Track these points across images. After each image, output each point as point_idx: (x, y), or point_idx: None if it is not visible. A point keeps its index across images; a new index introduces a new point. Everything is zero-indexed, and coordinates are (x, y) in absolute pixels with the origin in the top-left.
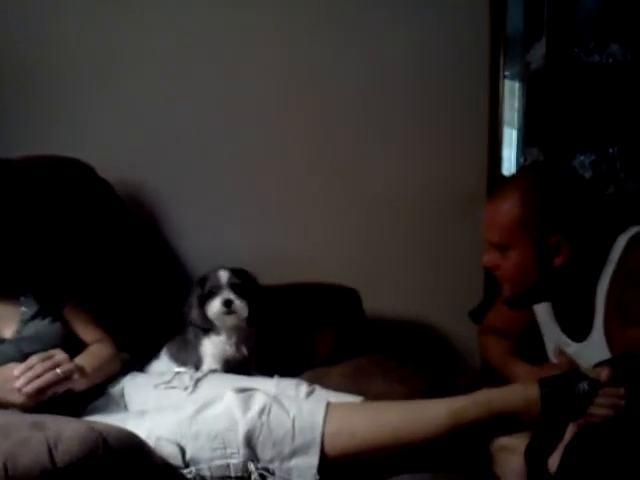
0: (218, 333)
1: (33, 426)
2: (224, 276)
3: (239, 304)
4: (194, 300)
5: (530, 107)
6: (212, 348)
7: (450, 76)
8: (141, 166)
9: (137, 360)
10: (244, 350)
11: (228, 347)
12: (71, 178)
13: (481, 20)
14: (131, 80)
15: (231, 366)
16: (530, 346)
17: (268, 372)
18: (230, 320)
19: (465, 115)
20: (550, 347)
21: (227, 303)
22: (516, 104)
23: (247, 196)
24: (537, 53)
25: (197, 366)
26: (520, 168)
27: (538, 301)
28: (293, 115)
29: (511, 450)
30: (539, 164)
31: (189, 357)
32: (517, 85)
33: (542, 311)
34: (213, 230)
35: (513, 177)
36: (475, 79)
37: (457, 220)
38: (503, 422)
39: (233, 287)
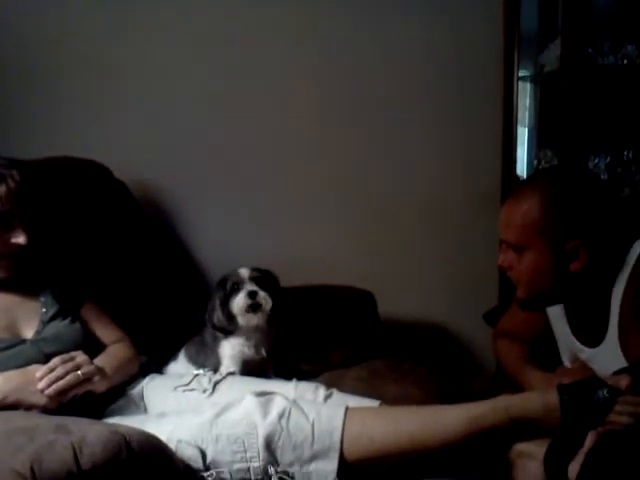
0: (238, 335)
1: (57, 429)
2: (245, 272)
3: (263, 295)
4: (216, 302)
5: (544, 109)
6: (230, 350)
7: (464, 77)
8: (156, 167)
9: (154, 361)
10: (262, 352)
11: (247, 349)
12: (87, 179)
13: (495, 21)
14: (146, 81)
15: (249, 368)
16: (544, 350)
17: (285, 375)
18: (256, 318)
19: (479, 116)
20: (564, 352)
21: (252, 294)
22: (530, 105)
23: (263, 197)
24: (551, 54)
25: (215, 368)
26: (539, 171)
27: (551, 304)
28: (309, 117)
29: (530, 456)
30: (559, 167)
31: (207, 359)
32: (531, 86)
33: (555, 316)
34: (228, 231)
35: (532, 179)
36: (489, 80)
37: (472, 221)
38: (522, 428)
39: (256, 280)
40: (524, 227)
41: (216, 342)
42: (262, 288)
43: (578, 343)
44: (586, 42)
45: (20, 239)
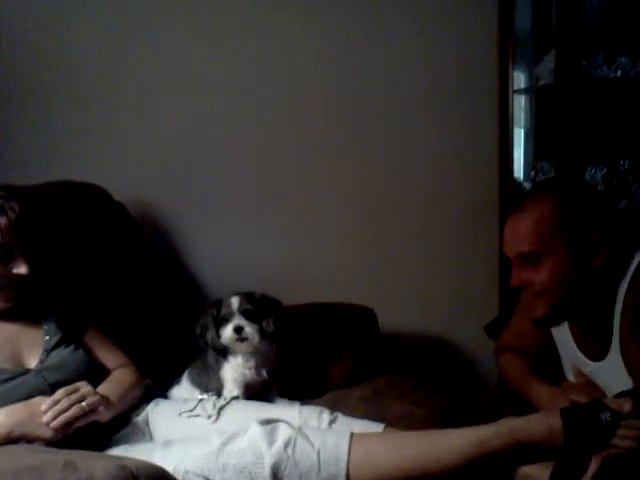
0: (236, 355)
1: (65, 467)
2: (235, 302)
3: (249, 330)
4: (209, 322)
5: (540, 121)
6: (232, 373)
7: (461, 86)
8: (155, 186)
9: (157, 383)
10: (264, 373)
11: (248, 371)
12: (87, 203)
13: (490, 34)
14: (142, 101)
15: (252, 390)
16: (546, 363)
17: (288, 395)
18: (243, 346)
19: (476, 129)
20: (567, 365)
21: (238, 330)
22: (525, 117)
23: (263, 214)
24: (546, 67)
25: (218, 391)
26: (538, 184)
27: (568, 317)
28: (308, 131)
29: (535, 479)
30: (557, 179)
31: (210, 382)
32: (526, 98)
33: (559, 329)
34: (229, 249)
35: (533, 192)
36: (485, 93)
37: (470, 234)
38: (525, 451)
39: (244, 313)
40: (540, 234)
41: (218, 365)
42: (251, 319)
43: (583, 357)
44: (580, 54)
45: (22, 269)
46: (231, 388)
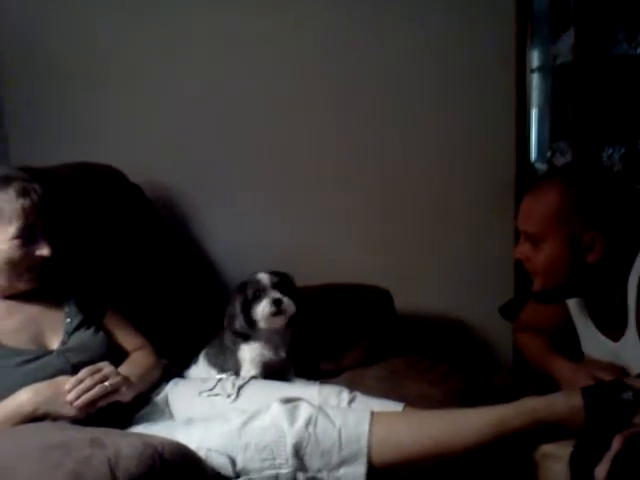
0: (257, 338)
1: (92, 443)
2: (266, 277)
3: (287, 302)
4: (237, 308)
5: (556, 100)
6: (250, 353)
7: (477, 67)
8: (170, 168)
9: (174, 364)
10: (282, 353)
11: (266, 352)
12: (104, 185)
13: (507, 9)
14: (159, 84)
15: (270, 369)
16: (565, 343)
17: (306, 375)
18: (279, 320)
19: (492, 109)
20: (587, 346)
21: (277, 302)
22: (539, 97)
23: (277, 196)
24: (564, 45)
25: (236, 371)
26: (558, 167)
27: (567, 297)
28: (323, 115)
29: (555, 458)
30: (576, 164)
31: (227, 362)
32: (542, 77)
33: (577, 310)
34: (244, 231)
35: (552, 174)
36: (501, 72)
37: (486, 215)
38: (546, 430)
39: (277, 287)
40: (544, 218)
41: (236, 346)
42: (283, 293)
43: (603, 337)
44: (600, 32)
45: (44, 251)
46: (249, 368)
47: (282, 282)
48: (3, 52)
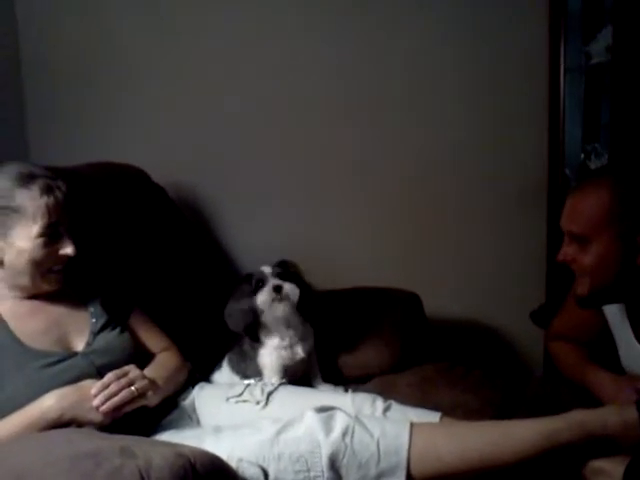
0: (270, 335)
1: (122, 453)
2: (267, 268)
3: (289, 287)
4: (242, 296)
5: (589, 101)
6: (269, 358)
7: (510, 65)
8: (192, 170)
9: (197, 369)
10: (300, 351)
11: (284, 351)
12: (127, 185)
13: (541, 8)
14: (180, 85)
15: (292, 373)
16: (600, 353)
17: (332, 380)
18: (283, 307)
19: (525, 110)
20: (626, 357)
21: (277, 288)
22: (575, 97)
23: (301, 197)
24: (599, 45)
25: (258, 377)
26: (601, 167)
27: (612, 301)
28: (341, 116)
29: (607, 474)
30: (620, 164)
31: (248, 368)
32: (576, 78)
33: (616, 319)
34: (268, 233)
35: (600, 172)
36: (534, 71)
37: (517, 219)
38: (597, 445)
39: (279, 275)
40: (592, 218)
41: (254, 351)
42: (286, 280)
43: None
44: (638, 31)
45: (68, 250)
46: (269, 374)
47: (283, 270)
48: (25, 56)
